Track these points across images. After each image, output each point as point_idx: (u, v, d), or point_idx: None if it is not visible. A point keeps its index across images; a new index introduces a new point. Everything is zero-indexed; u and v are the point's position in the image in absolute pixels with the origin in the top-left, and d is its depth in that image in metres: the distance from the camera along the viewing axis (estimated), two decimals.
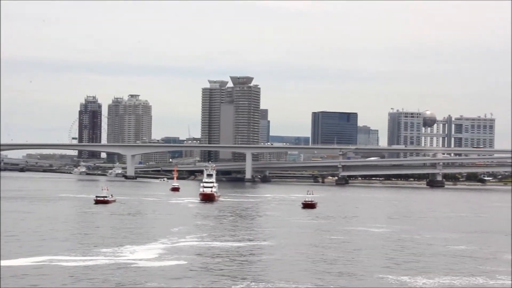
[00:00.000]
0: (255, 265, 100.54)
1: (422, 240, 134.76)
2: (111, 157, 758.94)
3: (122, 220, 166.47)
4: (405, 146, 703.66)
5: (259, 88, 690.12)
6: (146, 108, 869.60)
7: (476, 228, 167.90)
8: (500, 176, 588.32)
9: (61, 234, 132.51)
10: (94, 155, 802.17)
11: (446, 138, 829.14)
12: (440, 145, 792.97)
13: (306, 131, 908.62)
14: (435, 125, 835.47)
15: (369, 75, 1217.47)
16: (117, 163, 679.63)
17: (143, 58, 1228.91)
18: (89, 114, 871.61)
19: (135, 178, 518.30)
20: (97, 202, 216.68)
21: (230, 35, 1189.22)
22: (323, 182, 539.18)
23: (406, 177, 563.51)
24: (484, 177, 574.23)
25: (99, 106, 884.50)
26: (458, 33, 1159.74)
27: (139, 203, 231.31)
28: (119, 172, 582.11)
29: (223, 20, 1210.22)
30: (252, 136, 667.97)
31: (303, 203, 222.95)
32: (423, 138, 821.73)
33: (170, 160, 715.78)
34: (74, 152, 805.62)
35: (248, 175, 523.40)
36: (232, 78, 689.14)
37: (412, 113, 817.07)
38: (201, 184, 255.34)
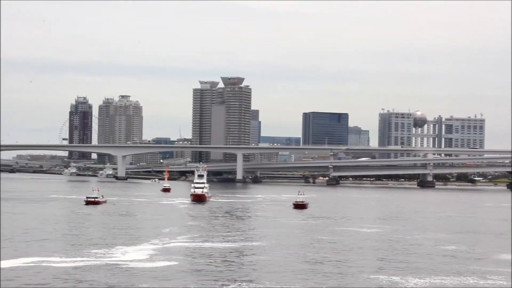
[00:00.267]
0: (246, 266, 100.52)
1: (413, 241, 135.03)
2: (102, 158, 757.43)
3: (113, 221, 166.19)
4: (402, 147, 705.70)
5: (250, 89, 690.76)
6: (137, 108, 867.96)
7: (467, 228, 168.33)
8: (490, 177, 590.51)
9: (52, 235, 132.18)
10: (85, 156, 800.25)
11: (436, 138, 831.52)
12: (431, 146, 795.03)
13: (297, 131, 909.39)
14: (425, 126, 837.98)
15: (360, 76, 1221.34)
16: (108, 164, 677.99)
17: (134, 59, 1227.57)
18: (80, 115, 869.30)
19: (126, 179, 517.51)
20: (88, 203, 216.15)
21: (221, 35, 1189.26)
22: (314, 182, 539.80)
23: (397, 177, 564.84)
24: (474, 177, 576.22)
25: (90, 106, 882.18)
26: (448, 34, 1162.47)
27: (130, 204, 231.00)
28: (110, 173, 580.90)
29: (214, 20, 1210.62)
30: (243, 137, 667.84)
31: (294, 204, 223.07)
32: (413, 138, 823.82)
33: (161, 160, 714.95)
34: (65, 153, 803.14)
35: (239, 175, 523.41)
36: (223, 79, 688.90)
37: (402, 114, 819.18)
38: (192, 185, 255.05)
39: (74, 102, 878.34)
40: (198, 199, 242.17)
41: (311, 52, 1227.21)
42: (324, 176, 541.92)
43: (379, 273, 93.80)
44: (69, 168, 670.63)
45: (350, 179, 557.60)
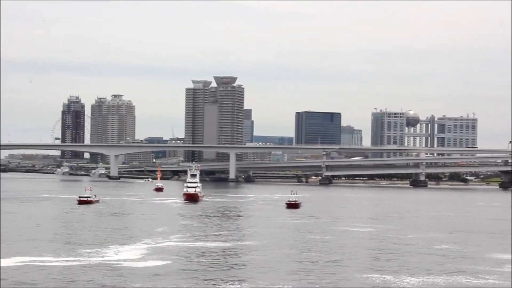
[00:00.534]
0: (239, 265, 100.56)
1: (406, 240, 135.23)
2: (95, 157, 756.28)
3: (106, 221, 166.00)
4: (397, 146, 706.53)
5: (243, 88, 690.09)
6: (130, 108, 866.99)
7: (459, 227, 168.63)
8: (482, 176, 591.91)
9: (45, 235, 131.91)
10: (77, 155, 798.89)
11: (429, 138, 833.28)
12: (423, 145, 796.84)
13: (289, 131, 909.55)
14: (418, 125, 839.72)
15: (353, 75, 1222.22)
16: (101, 163, 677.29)
17: (127, 58, 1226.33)
18: (72, 114, 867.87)
19: (119, 178, 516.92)
20: (81, 202, 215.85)
21: (214, 35, 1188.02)
22: (306, 182, 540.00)
23: (389, 177, 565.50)
24: (467, 177, 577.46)
25: (82, 106, 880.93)
26: (448, 34, 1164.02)
27: (122, 203, 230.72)
28: (103, 172, 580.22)
29: (207, 20, 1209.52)
30: (236, 136, 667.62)
31: (287, 203, 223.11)
32: (406, 138, 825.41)
33: (154, 160, 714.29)
34: (57, 153, 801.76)
35: (232, 175, 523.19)
36: (216, 78, 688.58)
37: (395, 113, 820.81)
38: (185, 184, 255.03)
39: (66, 102, 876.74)
40: (191, 198, 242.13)
41: (308, 52, 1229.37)
42: (317, 175, 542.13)
43: (372, 272, 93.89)
44: (61, 168, 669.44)
45: (343, 178, 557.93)
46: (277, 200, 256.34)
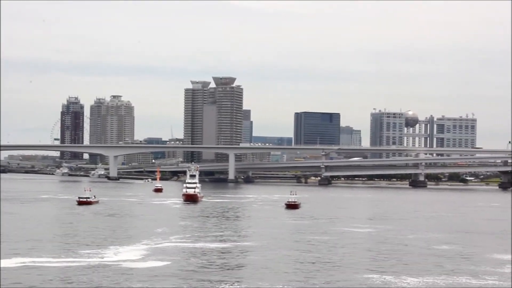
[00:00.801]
0: (238, 265, 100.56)
1: (405, 240, 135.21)
2: (94, 158, 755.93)
3: (105, 221, 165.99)
4: (397, 147, 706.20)
5: (242, 89, 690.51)
6: (129, 108, 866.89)
7: (458, 228, 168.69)
8: (482, 176, 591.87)
9: (44, 236, 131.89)
10: (77, 156, 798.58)
11: (428, 138, 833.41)
12: (422, 145, 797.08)
13: (289, 131, 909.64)
14: (417, 126, 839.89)
15: (352, 76, 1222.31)
16: (100, 164, 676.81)
17: (126, 59, 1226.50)
18: (71, 115, 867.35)
19: (118, 179, 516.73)
20: (80, 203, 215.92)
21: (212, 35, 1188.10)
22: (306, 182, 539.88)
23: (388, 177, 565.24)
24: (466, 177, 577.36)
25: (81, 107, 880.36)
26: (448, 34, 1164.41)
27: (122, 204, 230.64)
28: (102, 173, 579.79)
29: (206, 20, 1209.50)
30: (235, 137, 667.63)
31: (286, 204, 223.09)
32: (405, 138, 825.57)
33: (153, 161, 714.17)
34: (56, 153, 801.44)
35: (231, 175, 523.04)
36: (215, 79, 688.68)
37: (394, 114, 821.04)
38: (184, 185, 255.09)
39: (65, 102, 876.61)
40: (190, 199, 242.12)
41: (307, 52, 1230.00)
42: (316, 176, 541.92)
43: (372, 273, 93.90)
44: (60, 168, 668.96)
45: (342, 179, 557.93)
46: (277, 201, 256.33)
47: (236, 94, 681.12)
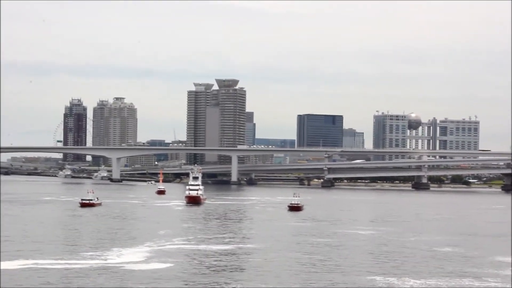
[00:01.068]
0: (241, 268, 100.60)
1: (408, 242, 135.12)
2: (97, 160, 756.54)
3: (108, 223, 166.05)
4: (400, 149, 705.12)
5: (245, 91, 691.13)
6: (132, 111, 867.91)
7: (461, 230, 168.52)
8: (485, 179, 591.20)
9: (47, 238, 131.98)
10: (79, 158, 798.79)
11: (431, 140, 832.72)
12: (425, 148, 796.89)
13: (291, 133, 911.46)
14: (420, 128, 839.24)
15: (355, 78, 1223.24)
16: (103, 166, 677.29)
17: (129, 61, 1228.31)
18: (74, 117, 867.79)
19: (121, 181, 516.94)
20: (83, 205, 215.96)
21: (216, 37, 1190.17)
22: (308, 184, 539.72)
23: (391, 179, 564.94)
24: (469, 179, 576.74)
25: (84, 109, 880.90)
26: (443, 35, 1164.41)
27: (125, 206, 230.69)
28: (105, 175, 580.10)
29: (209, 22, 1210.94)
30: (237, 139, 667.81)
31: (289, 206, 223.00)
32: (408, 140, 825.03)
33: (156, 163, 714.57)
34: (59, 155, 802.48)
35: (234, 177, 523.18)
36: (218, 81, 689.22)
37: (397, 116, 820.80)
38: (187, 187, 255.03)
39: (68, 104, 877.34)
40: (193, 201, 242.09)
41: (306, 54, 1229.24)
42: (318, 178, 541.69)
43: (375, 275, 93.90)
44: (63, 170, 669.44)
45: (345, 181, 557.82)
46: (279, 203, 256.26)
47: (239, 96, 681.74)
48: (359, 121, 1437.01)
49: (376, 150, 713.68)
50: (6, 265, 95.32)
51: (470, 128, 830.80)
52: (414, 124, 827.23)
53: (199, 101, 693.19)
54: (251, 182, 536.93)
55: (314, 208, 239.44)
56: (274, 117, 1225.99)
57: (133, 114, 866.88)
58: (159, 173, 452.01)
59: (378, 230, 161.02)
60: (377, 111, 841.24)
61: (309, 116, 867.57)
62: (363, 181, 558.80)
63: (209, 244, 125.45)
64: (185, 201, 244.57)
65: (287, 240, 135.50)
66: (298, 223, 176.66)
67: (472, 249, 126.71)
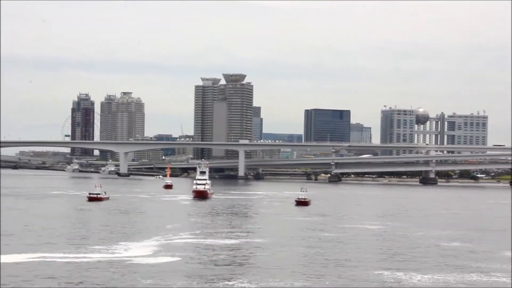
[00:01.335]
0: (248, 262, 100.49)
1: (415, 237, 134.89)
2: (104, 154, 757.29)
3: (116, 217, 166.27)
4: (407, 144, 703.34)
5: (252, 86, 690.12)
6: (139, 105, 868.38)
7: (469, 225, 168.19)
8: (493, 174, 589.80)
9: (55, 231, 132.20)
10: (87, 152, 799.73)
11: (439, 135, 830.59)
12: (433, 143, 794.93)
13: (299, 128, 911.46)
14: (428, 123, 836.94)
15: (362, 73, 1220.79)
16: (110, 160, 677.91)
17: (136, 56, 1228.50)
18: (82, 111, 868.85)
19: (128, 176, 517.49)
20: (90, 199, 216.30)
21: (222, 32, 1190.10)
22: (316, 179, 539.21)
23: (399, 174, 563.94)
24: (477, 174, 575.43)
25: (92, 103, 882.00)
26: (451, 31, 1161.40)
27: (132, 200, 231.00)
28: (112, 169, 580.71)
29: (216, 17, 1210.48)
30: (245, 134, 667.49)
31: (296, 201, 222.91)
32: (416, 135, 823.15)
33: (163, 157, 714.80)
34: (67, 150, 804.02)
35: (241, 172, 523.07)
36: (225, 76, 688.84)
37: (405, 111, 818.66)
38: (194, 182, 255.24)
39: (76, 99, 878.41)
40: (200, 195, 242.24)
41: (314, 49, 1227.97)
42: (326, 173, 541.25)
43: (382, 269, 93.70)
44: (71, 165, 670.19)
45: (352, 176, 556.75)
46: (286, 198, 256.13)
47: (246, 91, 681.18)
48: (366, 116, 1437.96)
49: (384, 145, 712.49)
50: (13, 258, 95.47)
51: (479, 123, 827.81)
52: (422, 119, 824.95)
53: (206, 95, 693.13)
54: (258, 177, 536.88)
55: (321, 202, 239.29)
56: (281, 112, 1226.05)
57: (141, 109, 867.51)
58: (166, 168, 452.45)
59: (386, 224, 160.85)
60: (384, 106, 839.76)
61: (317, 111, 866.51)
62: (371, 176, 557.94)
63: (216, 238, 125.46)
64: (192, 196, 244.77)
65: (294, 235, 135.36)
66: (305, 218, 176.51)
67: (480, 244, 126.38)
